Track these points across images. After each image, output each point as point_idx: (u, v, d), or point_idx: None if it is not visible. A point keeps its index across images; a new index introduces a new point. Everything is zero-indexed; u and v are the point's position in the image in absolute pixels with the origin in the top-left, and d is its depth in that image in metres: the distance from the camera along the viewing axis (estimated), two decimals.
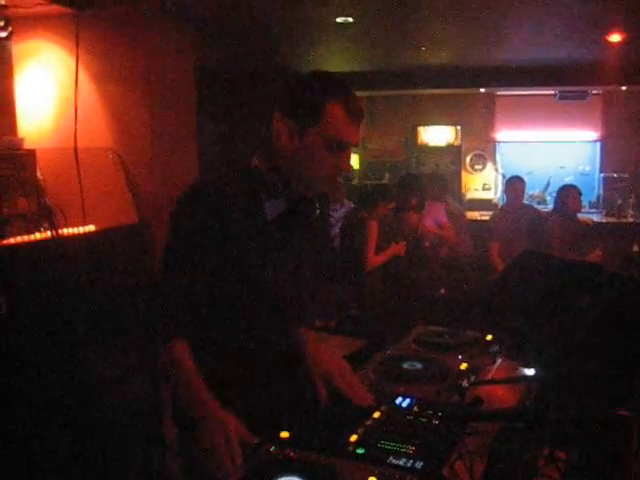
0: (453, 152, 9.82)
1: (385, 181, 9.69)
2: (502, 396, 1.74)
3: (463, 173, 9.85)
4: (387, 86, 9.09)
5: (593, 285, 1.63)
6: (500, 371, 1.93)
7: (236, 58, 7.39)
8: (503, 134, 9.95)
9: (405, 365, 1.96)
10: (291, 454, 1.42)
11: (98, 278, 4.07)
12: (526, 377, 1.83)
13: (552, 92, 9.07)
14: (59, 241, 3.96)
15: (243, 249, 1.72)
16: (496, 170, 9.80)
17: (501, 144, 10.01)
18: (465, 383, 1.77)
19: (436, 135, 9.90)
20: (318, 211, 1.82)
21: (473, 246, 6.27)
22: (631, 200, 8.48)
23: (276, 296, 1.81)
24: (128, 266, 4.32)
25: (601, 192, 9.14)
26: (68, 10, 4.67)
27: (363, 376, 1.87)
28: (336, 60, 8.16)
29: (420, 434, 1.50)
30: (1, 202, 3.90)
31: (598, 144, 9.65)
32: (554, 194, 6.65)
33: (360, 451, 1.43)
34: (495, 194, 9.75)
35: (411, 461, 1.38)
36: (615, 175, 8.89)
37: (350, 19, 5.61)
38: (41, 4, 4.52)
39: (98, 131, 4.96)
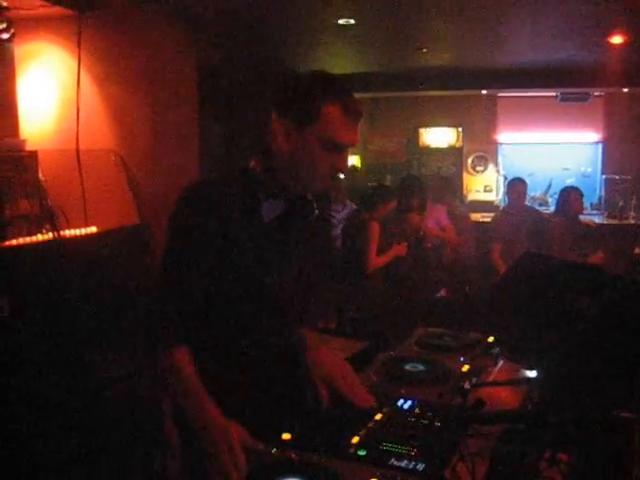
0: (455, 154, 9.82)
1: (387, 183, 9.69)
2: (504, 398, 1.74)
3: (464, 175, 9.85)
4: (388, 88, 9.09)
5: (594, 287, 1.63)
6: (502, 373, 1.93)
7: (238, 60, 7.39)
8: (505, 136, 9.95)
9: (407, 367, 1.96)
10: (293, 456, 1.42)
11: (100, 279, 4.08)
12: (528, 379, 1.83)
13: (554, 94, 9.06)
14: (61, 242, 3.97)
15: (240, 251, 1.71)
16: (498, 172, 9.80)
17: (503, 146, 10.01)
18: (467, 385, 1.77)
19: (438, 137, 9.90)
20: (316, 211, 1.81)
21: (475, 248, 6.27)
22: (633, 202, 8.47)
23: (276, 298, 1.80)
24: (130, 267, 4.32)
25: (603, 194, 9.14)
26: (70, 12, 4.67)
27: (365, 378, 1.87)
28: (338, 61, 8.16)
29: (422, 436, 1.50)
30: (3, 204, 3.91)
31: (600, 146, 9.65)
32: (556, 196, 6.65)
33: (362, 453, 1.43)
34: (497, 196, 9.75)
35: (413, 463, 1.38)
36: (617, 177, 8.89)
37: (352, 21, 5.61)
38: (43, 6, 4.53)
39: (100, 132, 4.97)
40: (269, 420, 1.60)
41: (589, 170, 9.56)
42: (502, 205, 8.75)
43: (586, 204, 7.28)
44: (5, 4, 4.37)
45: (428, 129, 9.91)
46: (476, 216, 8.05)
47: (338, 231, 5.51)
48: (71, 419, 3.46)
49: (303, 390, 1.80)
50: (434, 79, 8.59)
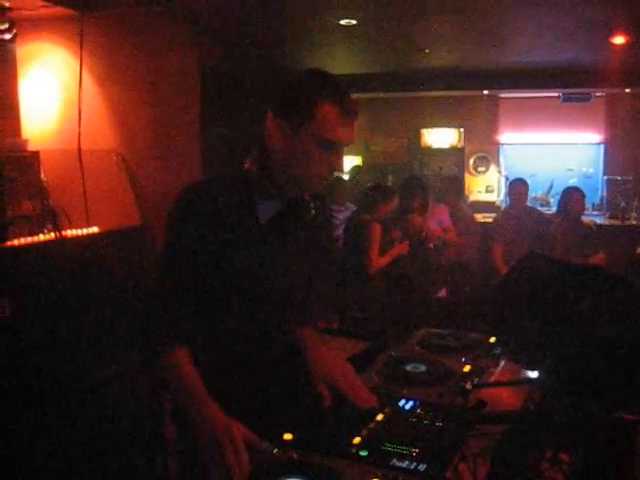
0: (456, 154, 9.82)
1: (389, 183, 9.69)
2: (505, 398, 1.74)
3: (466, 175, 9.84)
4: (390, 88, 9.08)
5: (596, 288, 1.62)
6: (503, 373, 1.93)
7: (240, 60, 7.39)
8: (506, 136, 9.95)
9: (408, 367, 1.96)
10: (294, 456, 1.43)
11: (101, 280, 4.08)
12: (529, 379, 1.82)
13: (556, 94, 9.05)
14: (63, 243, 3.97)
15: (236, 252, 1.70)
16: (499, 172, 9.79)
17: (504, 146, 10.00)
18: (468, 385, 1.76)
19: (439, 137, 9.90)
20: (313, 211, 1.81)
21: (478, 249, 6.27)
22: (635, 203, 8.46)
23: (273, 298, 1.79)
24: (131, 268, 4.32)
25: (604, 194, 9.13)
26: (72, 12, 4.68)
27: (366, 378, 1.87)
28: (339, 62, 8.16)
29: (423, 436, 1.50)
30: (5, 204, 3.91)
31: (602, 146, 9.63)
32: (557, 196, 6.64)
33: (363, 453, 1.43)
34: (498, 196, 9.74)
35: (414, 463, 1.38)
36: (619, 178, 8.88)
37: (353, 22, 5.61)
38: (45, 6, 4.53)
39: (102, 133, 4.97)
40: (268, 420, 1.59)
41: (591, 171, 9.55)
42: (503, 206, 8.75)
43: (588, 205, 7.28)
44: (7, 5, 4.38)
45: (430, 129, 9.91)
46: (477, 217, 8.04)
47: (340, 231, 5.51)
48: (71, 418, 3.46)
49: (303, 390, 1.80)
50: (436, 80, 8.58)
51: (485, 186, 9.87)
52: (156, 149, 5.01)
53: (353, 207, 6.14)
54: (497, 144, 9.97)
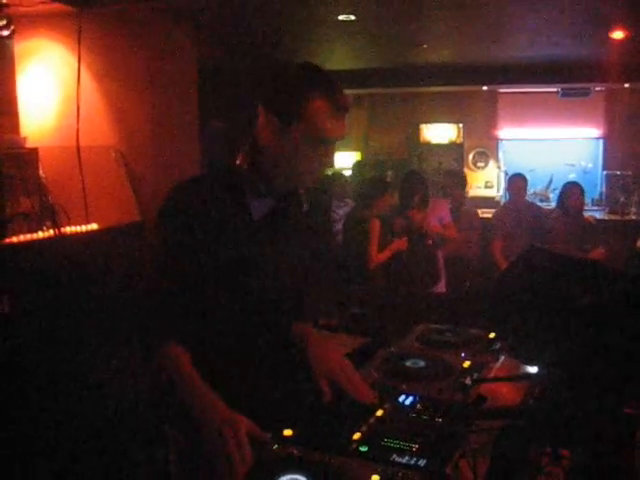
0: (455, 150, 9.81)
1: (388, 179, 9.69)
2: (505, 394, 1.74)
3: (465, 171, 9.83)
4: (389, 84, 9.08)
5: (596, 283, 1.62)
6: (503, 369, 1.93)
7: (239, 57, 7.38)
8: (505, 131, 9.94)
9: (408, 363, 1.96)
10: (294, 452, 1.42)
11: (100, 276, 4.08)
12: (529, 375, 1.82)
13: (555, 89, 9.05)
14: (61, 239, 3.97)
15: (230, 249, 1.69)
16: (498, 167, 9.80)
17: (503, 141, 10.00)
18: (468, 381, 1.76)
19: (438, 133, 9.89)
20: (306, 206, 1.80)
21: (479, 245, 6.26)
22: (634, 197, 8.46)
23: (269, 294, 1.78)
24: (130, 264, 4.32)
25: (604, 189, 9.13)
26: (70, 8, 4.67)
27: (366, 374, 1.86)
28: (338, 58, 8.15)
29: (423, 432, 1.49)
30: (4, 201, 3.91)
31: (601, 141, 9.63)
32: (557, 191, 6.64)
33: (363, 449, 1.43)
34: (497, 192, 9.75)
35: (414, 459, 1.38)
36: (618, 172, 8.88)
37: (352, 17, 5.60)
38: (43, 2, 4.53)
39: (100, 129, 4.97)
40: (266, 416, 1.59)
41: (590, 166, 9.55)
42: (503, 201, 8.75)
43: (587, 200, 7.28)
44: (5, 1, 4.36)
45: (429, 125, 9.90)
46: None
47: (339, 226, 5.51)
48: (70, 415, 3.46)
49: (302, 386, 1.80)
50: (435, 75, 8.58)
51: (484, 181, 9.87)
52: (155, 145, 5.01)
53: (353, 203, 6.14)
54: (496, 139, 9.97)
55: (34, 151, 4.27)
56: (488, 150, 9.92)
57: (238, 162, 1.76)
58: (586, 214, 6.44)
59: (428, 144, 9.92)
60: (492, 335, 2.18)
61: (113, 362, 3.83)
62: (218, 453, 1.45)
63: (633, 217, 8.20)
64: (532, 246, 1.92)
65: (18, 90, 4.88)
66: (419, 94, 9.68)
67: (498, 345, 2.09)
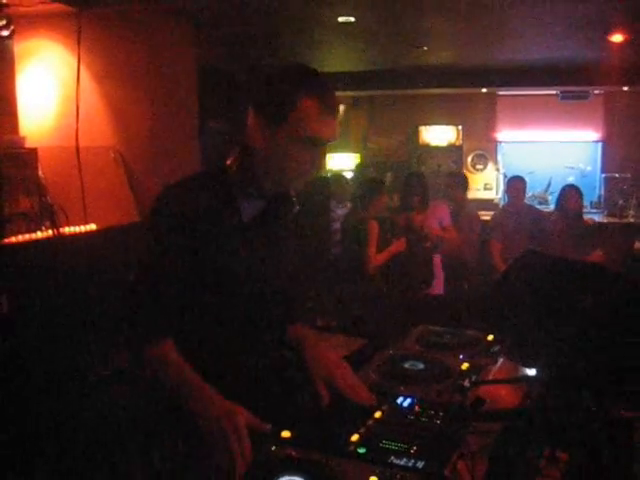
0: (454, 152, 9.81)
1: (387, 180, 9.70)
2: (503, 396, 1.74)
3: (464, 173, 9.85)
4: (388, 86, 9.09)
5: (595, 285, 1.63)
6: (501, 371, 1.93)
7: (239, 58, 7.39)
8: (504, 134, 9.95)
9: (406, 365, 1.96)
10: (292, 453, 1.42)
11: (99, 276, 4.07)
12: (527, 377, 1.83)
13: (554, 92, 9.06)
14: (60, 240, 3.97)
15: (218, 251, 1.67)
16: (497, 170, 9.80)
17: (502, 144, 10.01)
18: (466, 383, 1.76)
19: (437, 135, 9.89)
20: (297, 207, 1.79)
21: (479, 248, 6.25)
22: (632, 200, 8.48)
23: (259, 296, 1.77)
24: (129, 265, 4.31)
25: (602, 192, 9.14)
26: (70, 8, 4.67)
27: (364, 376, 1.86)
28: (338, 60, 8.16)
29: (421, 434, 1.49)
30: (3, 201, 3.91)
31: (600, 144, 9.64)
32: (556, 194, 6.64)
33: (361, 451, 1.43)
34: (496, 194, 9.76)
35: (412, 461, 1.38)
36: (617, 175, 8.90)
37: (352, 19, 5.61)
38: (43, 2, 4.53)
39: (99, 130, 4.97)
40: (259, 416, 1.58)
41: (589, 168, 9.56)
42: (502, 203, 8.75)
43: (586, 202, 7.27)
44: (4, 1, 4.37)
45: (428, 127, 9.90)
46: None
47: (337, 225, 5.53)
48: (69, 415, 3.46)
49: (297, 387, 1.79)
50: (434, 77, 8.59)
51: (483, 184, 9.88)
52: (154, 146, 5.01)
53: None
54: (495, 142, 9.98)
55: (33, 151, 4.27)
56: (487, 152, 9.93)
57: (228, 163, 1.75)
58: (585, 217, 6.44)
59: (427, 146, 9.92)
60: (491, 337, 2.18)
61: (111, 362, 3.82)
62: (218, 447, 1.45)
63: (631, 220, 8.21)
64: (529, 250, 1.93)
65: (17, 90, 4.88)
66: (418, 96, 9.69)
67: (497, 347, 2.09)
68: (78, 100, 4.76)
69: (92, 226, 4.47)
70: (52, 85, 5.06)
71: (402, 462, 1.37)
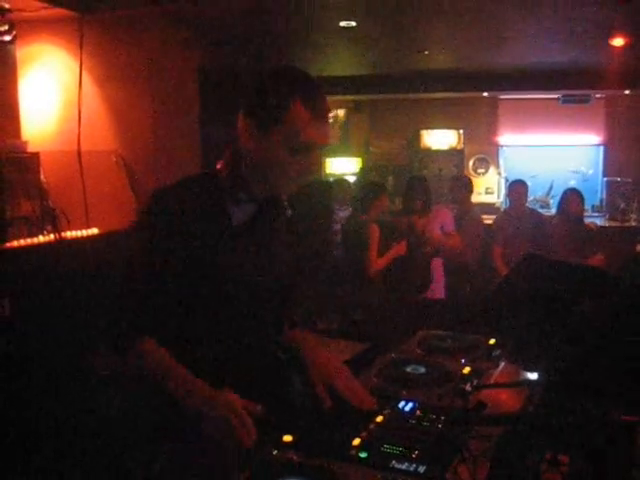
0: (456, 156, 9.80)
1: (388, 184, 9.70)
2: (505, 400, 1.74)
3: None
4: (390, 90, 9.09)
5: (596, 289, 1.63)
6: (503, 375, 1.93)
7: (240, 62, 7.39)
8: (506, 138, 9.95)
9: (408, 369, 1.96)
10: (294, 457, 1.42)
11: (101, 281, 4.07)
12: (529, 381, 1.82)
13: (555, 96, 9.06)
14: (62, 244, 3.97)
15: (206, 254, 1.66)
16: (499, 174, 9.80)
17: (504, 148, 10.01)
18: (468, 387, 1.76)
19: (439, 139, 9.89)
20: (289, 211, 1.78)
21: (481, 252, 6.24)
22: (634, 204, 8.47)
23: (250, 300, 1.76)
24: None
25: (604, 196, 9.14)
26: (72, 13, 4.69)
27: (365, 380, 1.86)
28: (339, 64, 8.17)
29: (423, 438, 1.49)
30: (5, 205, 3.92)
31: (601, 148, 9.65)
32: (557, 198, 6.64)
33: (363, 455, 1.43)
34: (498, 198, 9.75)
35: (414, 465, 1.38)
36: (618, 179, 8.89)
37: (353, 23, 5.61)
38: (45, 7, 4.54)
39: (101, 134, 4.98)
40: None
41: (590, 172, 9.56)
42: (503, 207, 8.75)
43: (587, 206, 7.28)
44: (7, 6, 4.38)
45: (429, 131, 9.90)
46: None
47: (338, 226, 5.54)
48: (70, 417, 3.46)
49: (288, 393, 1.79)
50: (435, 81, 8.59)
51: (485, 188, 9.87)
52: (156, 150, 5.02)
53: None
54: (497, 146, 9.98)
55: (35, 155, 4.28)
56: (488, 156, 9.93)
57: (219, 167, 1.74)
58: (587, 221, 6.44)
59: (429, 150, 9.92)
60: (492, 341, 2.18)
61: (112, 366, 3.82)
62: (227, 435, 1.46)
63: (633, 223, 8.20)
64: (530, 253, 1.93)
65: (20, 95, 4.89)
66: (420, 100, 9.69)
67: (498, 351, 2.09)
68: (80, 104, 4.77)
69: (94, 230, 4.47)
70: (54, 89, 5.08)
71: (404, 466, 1.37)
